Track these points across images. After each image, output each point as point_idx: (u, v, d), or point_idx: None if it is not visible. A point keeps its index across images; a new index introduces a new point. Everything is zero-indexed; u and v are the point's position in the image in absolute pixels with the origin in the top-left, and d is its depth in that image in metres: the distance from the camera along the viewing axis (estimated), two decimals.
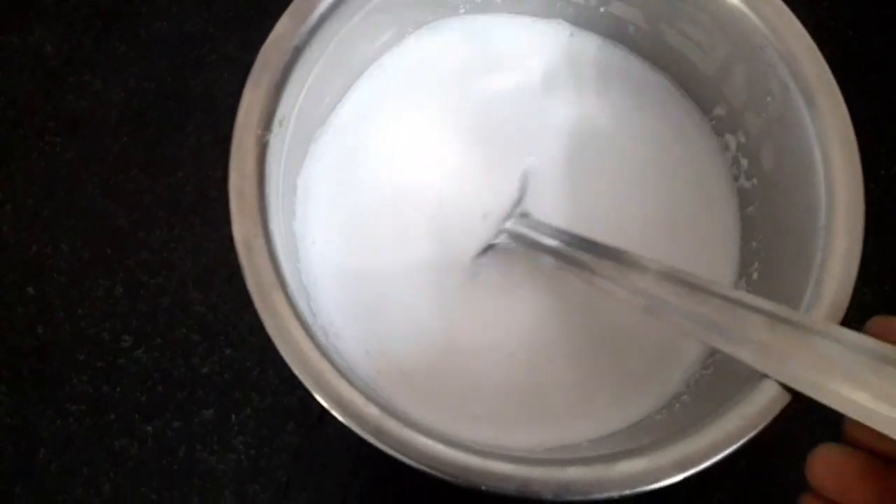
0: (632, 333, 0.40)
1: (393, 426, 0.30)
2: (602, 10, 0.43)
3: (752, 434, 0.31)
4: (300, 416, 0.44)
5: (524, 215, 0.41)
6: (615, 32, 0.45)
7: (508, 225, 0.41)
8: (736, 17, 0.38)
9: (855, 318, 0.31)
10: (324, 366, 0.31)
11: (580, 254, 0.37)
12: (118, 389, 0.45)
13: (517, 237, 0.40)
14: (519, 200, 0.42)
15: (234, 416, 0.44)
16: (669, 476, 0.30)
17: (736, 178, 0.43)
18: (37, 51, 0.51)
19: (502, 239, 0.40)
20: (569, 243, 0.38)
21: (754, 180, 0.41)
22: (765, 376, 0.31)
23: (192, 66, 0.51)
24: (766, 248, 0.40)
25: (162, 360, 0.45)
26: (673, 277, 0.34)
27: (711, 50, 0.41)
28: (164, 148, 0.49)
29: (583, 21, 0.45)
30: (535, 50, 0.46)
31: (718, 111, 0.43)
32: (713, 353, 0.39)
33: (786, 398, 0.31)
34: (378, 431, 0.30)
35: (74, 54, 0.51)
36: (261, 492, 0.43)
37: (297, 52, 0.36)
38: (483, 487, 0.30)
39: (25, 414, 0.44)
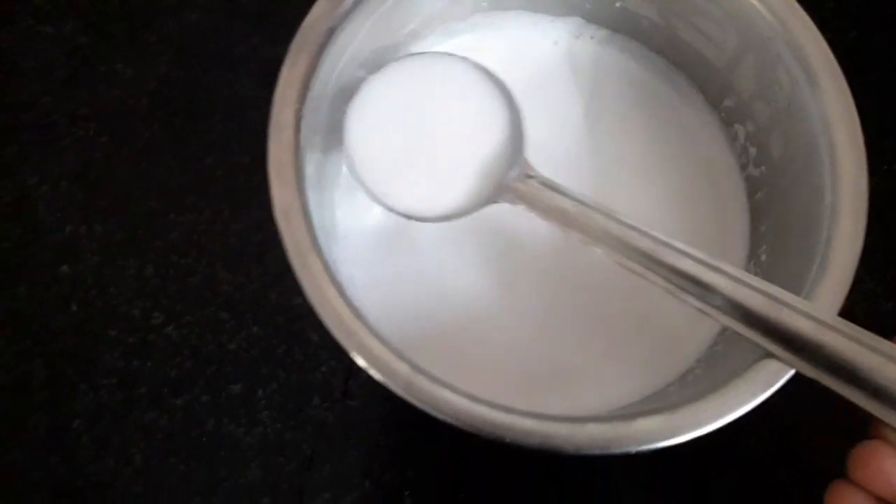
0: (650, 312, 0.42)
1: (423, 382, 0.32)
2: (617, 4, 0.45)
3: (761, 398, 0.32)
4: (324, 391, 0.46)
5: (531, 176, 0.38)
6: (629, 27, 0.46)
7: (512, 182, 0.38)
8: (745, 10, 0.39)
9: (860, 308, 0.33)
10: (357, 325, 0.32)
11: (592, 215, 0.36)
12: (149, 364, 0.46)
13: (522, 197, 0.38)
14: (517, 148, 0.39)
15: (260, 391, 0.46)
16: (684, 433, 0.31)
17: (744, 168, 0.44)
18: (71, 40, 0.53)
19: (507, 198, 0.38)
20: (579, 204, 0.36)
21: (763, 168, 0.42)
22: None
23: (220, 57, 0.53)
24: (774, 231, 0.41)
25: (191, 336, 0.47)
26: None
27: (722, 42, 0.42)
28: (192, 135, 0.51)
29: (598, 17, 0.47)
30: (551, 46, 0.47)
31: (728, 102, 0.44)
32: (724, 331, 0.40)
33: (788, 370, 0.32)
34: (409, 386, 0.31)
35: (107, 44, 0.53)
36: (286, 463, 0.45)
37: (330, 34, 0.37)
38: (507, 440, 0.31)
39: (59, 387, 0.46)
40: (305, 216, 0.34)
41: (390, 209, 0.39)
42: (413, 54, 0.42)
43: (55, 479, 0.44)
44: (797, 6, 0.39)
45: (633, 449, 0.31)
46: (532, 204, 0.37)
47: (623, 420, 0.32)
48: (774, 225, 0.41)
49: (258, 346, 0.47)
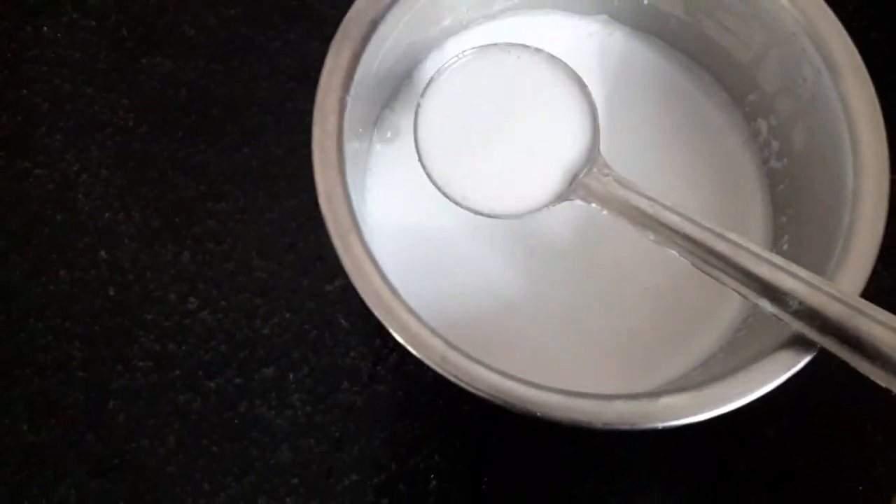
0: (675, 298, 0.42)
1: (457, 357, 0.33)
2: (645, 2, 0.46)
3: (784, 377, 0.33)
4: (353, 376, 0.47)
5: (606, 174, 0.37)
6: (655, 25, 0.47)
7: (586, 179, 0.37)
8: (770, 5, 0.40)
9: (877, 303, 0.33)
10: (394, 302, 0.33)
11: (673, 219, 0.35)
12: (183, 348, 0.47)
13: (596, 195, 0.37)
14: (593, 144, 0.38)
15: (291, 375, 0.47)
16: (710, 409, 0.32)
17: (766, 161, 0.45)
18: (113, 33, 0.54)
19: (581, 195, 0.38)
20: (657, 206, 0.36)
21: (785, 160, 0.43)
22: (795, 336, 0.33)
23: (257, 51, 0.54)
24: (796, 221, 0.42)
25: (225, 321, 0.48)
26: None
27: (747, 38, 0.43)
28: (229, 126, 0.52)
29: (626, 16, 0.48)
30: (577, 42, 0.48)
31: (752, 97, 0.45)
32: (747, 317, 0.41)
33: (811, 352, 0.33)
34: (444, 361, 0.32)
35: (148, 37, 0.54)
36: (315, 445, 0.45)
37: (373, 25, 0.38)
38: (538, 414, 0.32)
39: (97, 368, 0.47)
40: (346, 199, 0.35)
41: (461, 205, 0.39)
42: (486, 45, 0.40)
43: (91, 458, 0.45)
44: (821, 0, 0.39)
45: (660, 425, 0.32)
46: (606, 202, 0.37)
47: (650, 397, 0.33)
48: (796, 215, 0.42)
49: (290, 331, 0.48)
